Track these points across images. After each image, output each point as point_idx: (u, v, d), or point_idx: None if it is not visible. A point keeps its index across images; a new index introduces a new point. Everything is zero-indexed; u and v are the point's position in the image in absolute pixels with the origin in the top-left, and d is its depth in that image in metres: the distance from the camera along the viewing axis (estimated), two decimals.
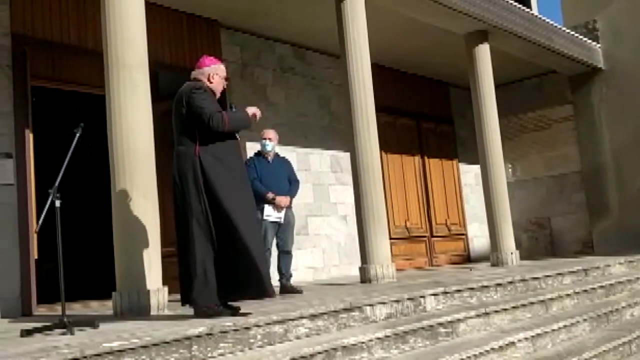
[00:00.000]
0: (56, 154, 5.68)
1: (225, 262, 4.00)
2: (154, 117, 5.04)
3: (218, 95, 4.43)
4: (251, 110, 4.40)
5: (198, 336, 3.42)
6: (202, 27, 8.09)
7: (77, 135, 4.21)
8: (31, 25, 6.48)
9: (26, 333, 3.78)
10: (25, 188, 6.14)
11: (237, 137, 4.38)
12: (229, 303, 4.13)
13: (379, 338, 4.02)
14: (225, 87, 4.52)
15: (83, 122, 4.31)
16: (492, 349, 4.34)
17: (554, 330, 5.04)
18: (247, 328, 3.66)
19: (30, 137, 6.29)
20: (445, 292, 5.16)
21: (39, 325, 3.88)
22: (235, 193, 4.09)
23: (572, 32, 11.02)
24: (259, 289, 4.02)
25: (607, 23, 11.72)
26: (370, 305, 4.49)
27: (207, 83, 4.34)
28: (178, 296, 4.19)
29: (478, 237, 12.14)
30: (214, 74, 4.37)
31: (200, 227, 4.03)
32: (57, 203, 3.93)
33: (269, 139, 6.35)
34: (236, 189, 4.12)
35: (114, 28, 4.91)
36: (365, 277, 6.67)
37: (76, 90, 7.22)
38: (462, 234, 11.95)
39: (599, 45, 11.69)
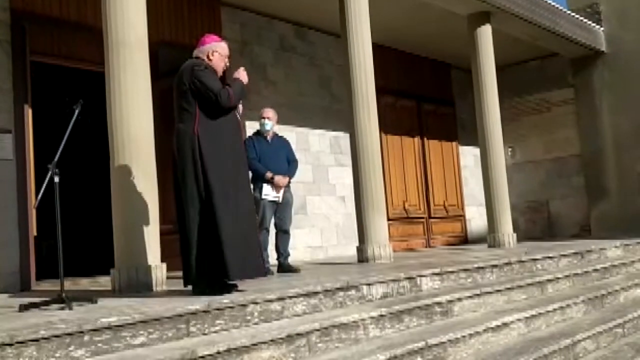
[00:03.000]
0: (55, 130, 5.68)
1: (218, 243, 4.01)
2: (154, 95, 5.02)
3: (220, 73, 4.42)
4: (241, 76, 4.37)
5: (195, 313, 3.45)
6: (203, 4, 8.03)
7: (77, 112, 4.22)
8: (31, 0, 6.43)
9: (25, 308, 3.81)
10: (25, 164, 6.15)
11: (239, 115, 4.38)
12: (226, 281, 4.15)
13: (374, 317, 4.05)
14: (227, 65, 4.51)
15: (82, 99, 4.31)
16: (487, 328, 4.38)
17: (548, 311, 5.08)
18: (244, 305, 3.69)
19: (29, 113, 6.28)
20: (441, 273, 5.20)
21: (37, 300, 3.92)
22: (229, 174, 4.09)
23: (575, 15, 10.94)
24: (244, 271, 4.05)
25: (610, 5, 11.63)
26: (366, 284, 4.52)
27: (207, 61, 4.34)
28: (176, 273, 4.22)
29: (475, 219, 12.18)
30: (213, 51, 4.37)
31: (195, 208, 4.04)
32: (56, 179, 3.95)
33: (268, 118, 6.34)
34: (232, 170, 4.12)
35: (114, 6, 4.87)
36: (362, 257, 6.71)
37: (76, 67, 7.19)
38: (460, 216, 11.98)
39: (601, 28, 11.61)
